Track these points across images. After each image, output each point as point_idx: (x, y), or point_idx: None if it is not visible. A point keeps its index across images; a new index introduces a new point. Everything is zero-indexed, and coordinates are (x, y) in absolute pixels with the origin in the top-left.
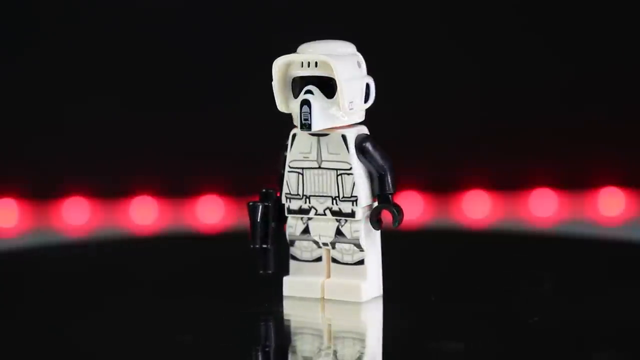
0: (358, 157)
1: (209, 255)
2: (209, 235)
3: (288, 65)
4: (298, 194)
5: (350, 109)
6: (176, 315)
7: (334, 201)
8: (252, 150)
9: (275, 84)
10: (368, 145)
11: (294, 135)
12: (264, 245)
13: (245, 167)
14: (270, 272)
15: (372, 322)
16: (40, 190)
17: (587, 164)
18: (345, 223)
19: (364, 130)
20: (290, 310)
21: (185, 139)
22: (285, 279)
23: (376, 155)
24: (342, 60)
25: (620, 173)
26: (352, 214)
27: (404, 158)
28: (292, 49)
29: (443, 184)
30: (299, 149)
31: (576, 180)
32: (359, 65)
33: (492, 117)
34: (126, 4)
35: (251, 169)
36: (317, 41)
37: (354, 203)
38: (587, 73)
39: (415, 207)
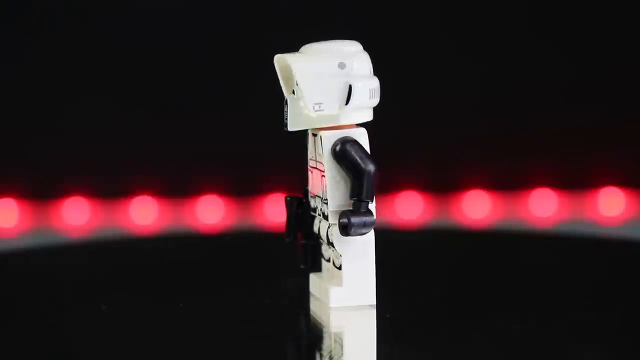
0: (334, 159)
1: (209, 254)
2: (209, 235)
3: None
4: (311, 193)
5: (319, 110)
6: (178, 314)
7: (322, 202)
8: (252, 150)
9: (280, 81)
10: (342, 149)
11: (306, 134)
12: (303, 241)
13: (245, 167)
14: (305, 267)
15: (351, 325)
16: (40, 190)
17: (587, 164)
18: (331, 225)
19: (354, 132)
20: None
21: (185, 139)
22: (310, 275)
23: (349, 160)
24: (311, 60)
25: (620, 173)
26: (327, 217)
27: (404, 158)
28: (295, 49)
29: (443, 184)
30: (310, 147)
31: (576, 180)
32: (342, 66)
33: (492, 117)
34: (127, 5)
35: (251, 169)
36: (320, 41)
37: (327, 205)
38: (588, 74)
39: (415, 207)
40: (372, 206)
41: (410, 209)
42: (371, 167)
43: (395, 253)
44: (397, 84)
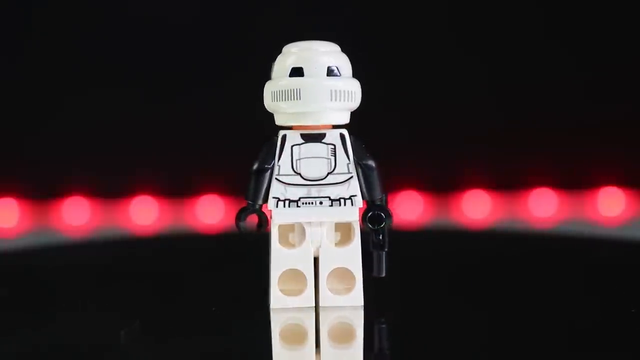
0: None
1: (209, 254)
2: (209, 235)
3: None
4: None
5: (268, 109)
6: (178, 314)
7: None
8: (252, 150)
9: None
10: None
11: None
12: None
13: (245, 167)
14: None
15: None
16: (40, 190)
17: (587, 164)
18: None
19: (281, 134)
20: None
21: (185, 139)
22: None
23: None
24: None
25: (620, 173)
26: None
27: (404, 158)
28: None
29: (443, 184)
30: None
31: (576, 180)
32: (271, 68)
33: (492, 117)
34: (125, 6)
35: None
36: (299, 41)
37: None
38: (588, 74)
39: (415, 207)
40: (276, 209)
41: (410, 208)
42: (251, 168)
43: (395, 253)
44: (398, 84)
